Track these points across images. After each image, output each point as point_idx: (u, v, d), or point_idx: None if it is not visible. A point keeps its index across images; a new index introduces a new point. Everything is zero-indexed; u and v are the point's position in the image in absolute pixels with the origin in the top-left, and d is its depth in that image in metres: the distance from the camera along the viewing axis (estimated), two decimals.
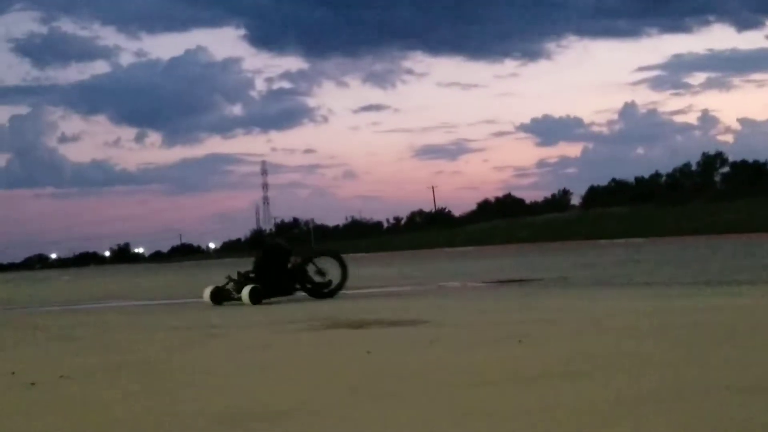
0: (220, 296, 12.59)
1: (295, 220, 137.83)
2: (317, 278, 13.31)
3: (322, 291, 13.23)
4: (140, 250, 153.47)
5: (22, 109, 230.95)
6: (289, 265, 13.14)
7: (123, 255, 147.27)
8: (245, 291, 12.20)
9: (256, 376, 5.20)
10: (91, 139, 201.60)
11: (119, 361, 6.17)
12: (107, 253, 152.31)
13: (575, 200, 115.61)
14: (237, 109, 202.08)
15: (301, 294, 13.11)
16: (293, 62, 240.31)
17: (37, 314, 13.33)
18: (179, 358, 6.37)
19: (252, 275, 12.72)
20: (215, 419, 3.83)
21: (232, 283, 12.68)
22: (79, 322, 10.62)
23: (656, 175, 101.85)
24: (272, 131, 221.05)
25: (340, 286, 13.51)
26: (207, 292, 12.69)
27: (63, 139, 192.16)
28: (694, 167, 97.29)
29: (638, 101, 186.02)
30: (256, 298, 12.15)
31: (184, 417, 3.93)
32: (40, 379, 5.32)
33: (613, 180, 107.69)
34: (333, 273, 13.46)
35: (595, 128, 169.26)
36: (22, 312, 14.14)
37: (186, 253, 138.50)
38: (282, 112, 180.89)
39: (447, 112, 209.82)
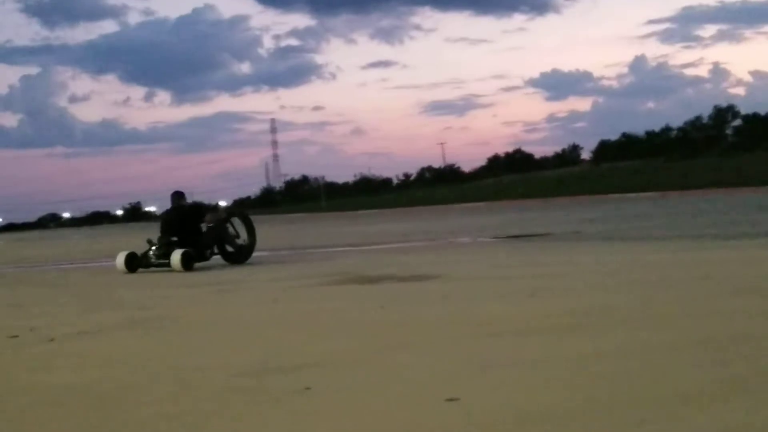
0: (135, 263, 11.44)
1: (305, 178, 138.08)
2: (239, 241, 12.36)
3: (242, 255, 12.21)
4: (152, 208, 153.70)
5: (32, 70, 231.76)
6: (204, 227, 11.95)
7: (135, 214, 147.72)
8: (176, 256, 11.09)
9: (271, 331, 5.26)
10: (100, 99, 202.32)
11: (136, 317, 6.24)
12: (119, 212, 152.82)
13: (585, 155, 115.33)
14: (245, 67, 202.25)
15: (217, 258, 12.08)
16: (300, 19, 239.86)
17: (53, 272, 13.45)
18: (194, 314, 6.43)
19: (175, 239, 11.55)
20: (234, 373, 3.88)
21: (153, 249, 11.54)
22: (94, 279, 10.72)
23: (667, 129, 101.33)
24: (280, 89, 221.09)
25: (252, 249, 12.53)
26: (120, 259, 11.45)
27: (73, 98, 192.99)
28: (705, 120, 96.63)
29: (648, 54, 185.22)
30: (188, 264, 11.07)
31: (202, 371, 3.99)
32: (59, 335, 5.39)
33: (624, 134, 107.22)
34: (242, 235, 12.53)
35: (605, 82, 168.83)
36: (39, 270, 14.26)
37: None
38: (290, 69, 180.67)
39: (455, 68, 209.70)
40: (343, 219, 46.93)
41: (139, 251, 11.58)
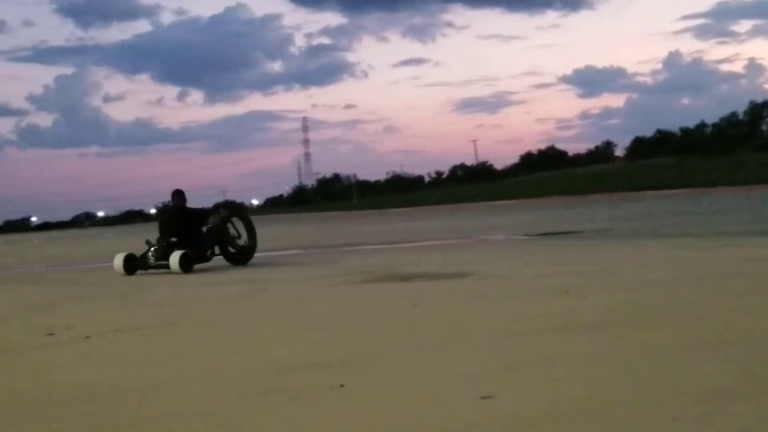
0: (134, 264, 11.20)
1: (337, 176, 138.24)
2: (239, 242, 12.14)
3: (243, 255, 12.03)
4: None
5: (67, 70, 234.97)
6: (205, 228, 11.68)
7: None
8: (174, 257, 10.79)
9: (307, 328, 5.27)
10: (134, 98, 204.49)
11: (171, 315, 6.28)
12: (153, 211, 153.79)
13: (619, 152, 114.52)
14: (277, 66, 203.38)
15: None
16: (332, 18, 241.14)
17: (88, 270, 13.56)
18: (230, 311, 6.47)
19: (174, 240, 11.29)
20: (271, 369, 3.90)
21: (152, 250, 11.30)
22: (128, 278, 10.78)
23: (702, 125, 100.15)
24: (312, 87, 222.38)
25: (253, 250, 12.33)
26: (119, 260, 11.19)
27: (107, 98, 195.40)
28: (740, 116, 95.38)
29: (683, 50, 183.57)
30: (187, 265, 10.78)
31: (240, 367, 4.01)
32: (95, 333, 5.44)
33: (658, 131, 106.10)
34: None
35: (639, 78, 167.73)
36: (74, 268, 14.39)
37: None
38: (322, 68, 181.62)
39: (487, 65, 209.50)
40: (375, 217, 46.97)
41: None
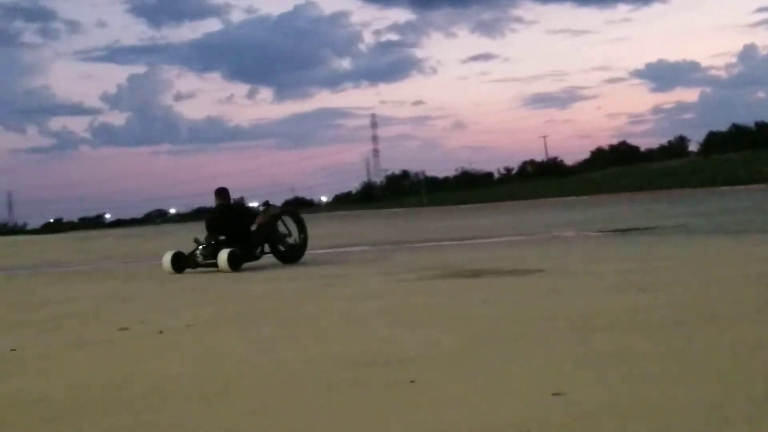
0: (182, 263, 11.26)
1: (405, 173, 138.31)
2: (289, 240, 12.09)
3: (294, 254, 11.98)
4: (254, 204, 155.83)
5: (139, 69, 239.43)
6: (253, 227, 11.60)
7: None
8: (222, 255, 10.81)
9: (374, 324, 5.26)
10: (205, 96, 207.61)
11: (242, 311, 6.34)
12: None
13: (693, 146, 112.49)
14: (346, 63, 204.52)
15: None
16: (400, 14, 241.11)
17: (159, 267, 13.77)
18: (300, 307, 6.49)
19: (223, 238, 11.28)
20: (341, 365, 3.90)
21: (200, 248, 11.33)
22: (199, 273, 10.91)
23: None
24: (381, 84, 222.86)
25: (304, 248, 12.31)
26: (167, 258, 11.31)
27: (178, 96, 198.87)
28: None
29: (758, 43, 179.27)
30: (235, 263, 10.80)
31: (311, 363, 4.01)
32: (168, 328, 5.51)
33: (733, 125, 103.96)
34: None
35: (713, 72, 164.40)
36: (147, 264, 14.63)
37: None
38: (390, 64, 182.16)
39: (557, 60, 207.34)
40: (444, 214, 46.88)
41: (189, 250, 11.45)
